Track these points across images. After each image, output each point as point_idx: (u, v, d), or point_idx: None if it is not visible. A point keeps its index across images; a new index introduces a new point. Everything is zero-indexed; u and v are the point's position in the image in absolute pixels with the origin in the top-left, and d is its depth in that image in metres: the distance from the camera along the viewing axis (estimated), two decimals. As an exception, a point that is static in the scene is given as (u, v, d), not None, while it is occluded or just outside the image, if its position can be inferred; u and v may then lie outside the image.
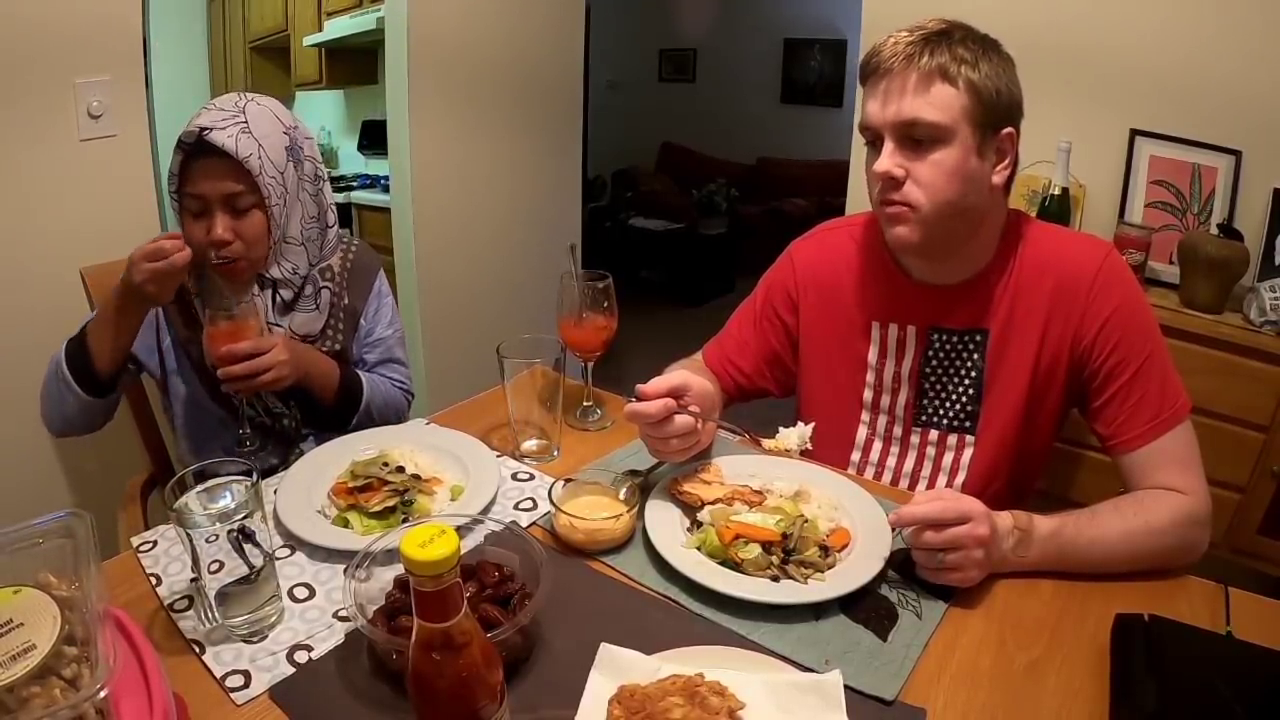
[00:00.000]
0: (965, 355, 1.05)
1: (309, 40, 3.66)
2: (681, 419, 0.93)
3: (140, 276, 1.02)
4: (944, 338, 1.05)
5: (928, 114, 0.91)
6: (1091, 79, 1.88)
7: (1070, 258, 1.00)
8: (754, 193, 5.59)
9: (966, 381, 1.05)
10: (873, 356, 1.10)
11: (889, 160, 0.94)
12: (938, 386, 1.07)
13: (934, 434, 1.09)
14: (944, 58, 0.90)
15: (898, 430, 1.11)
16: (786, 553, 0.83)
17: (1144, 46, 1.82)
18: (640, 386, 0.93)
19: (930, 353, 1.06)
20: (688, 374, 0.96)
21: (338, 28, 3.46)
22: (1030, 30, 1.88)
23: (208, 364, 1.09)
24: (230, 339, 1.05)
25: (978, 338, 1.04)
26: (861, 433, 1.14)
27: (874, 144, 0.98)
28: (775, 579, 0.82)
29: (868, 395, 1.12)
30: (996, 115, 0.94)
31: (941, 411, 1.08)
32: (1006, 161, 0.97)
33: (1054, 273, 1.00)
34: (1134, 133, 1.86)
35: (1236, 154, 1.77)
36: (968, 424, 1.06)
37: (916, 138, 0.93)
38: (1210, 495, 0.92)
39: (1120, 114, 1.88)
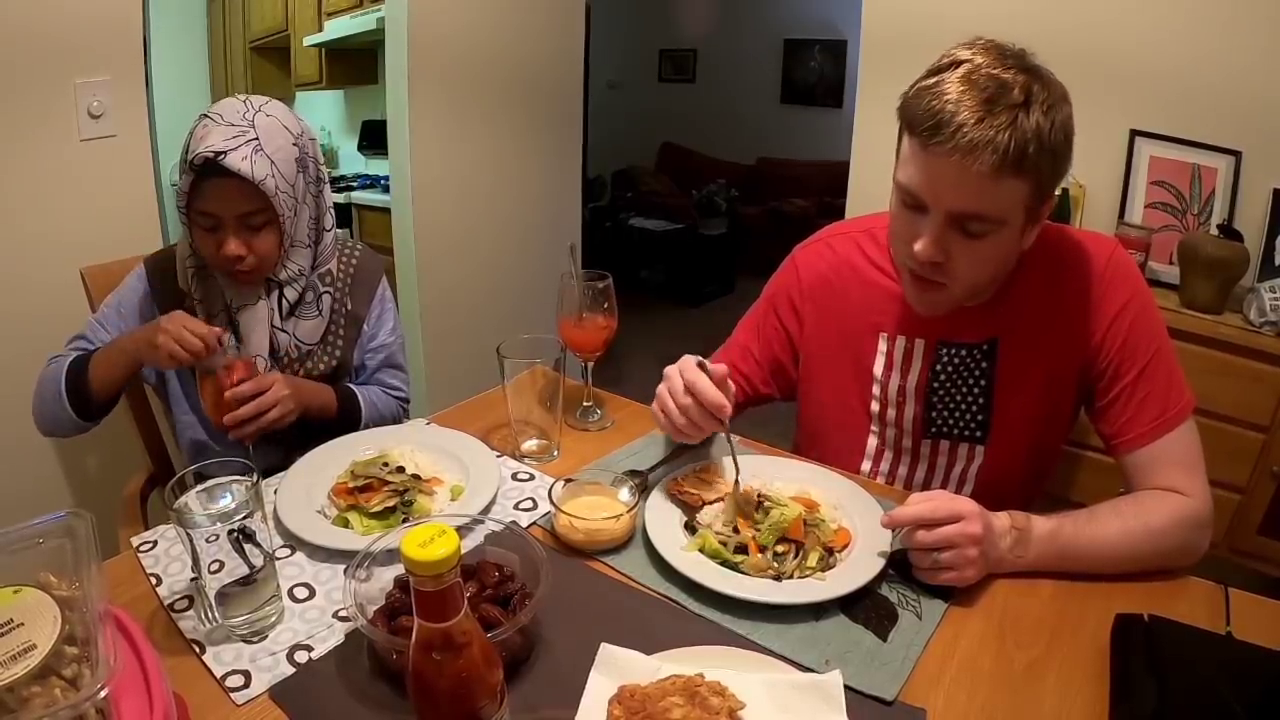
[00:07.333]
0: (973, 365, 1.03)
1: (309, 40, 3.66)
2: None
3: (166, 344, 1.01)
4: (953, 351, 1.03)
5: (992, 209, 0.84)
6: (1091, 79, 1.88)
7: (1078, 255, 0.98)
8: (754, 193, 5.59)
9: (975, 391, 1.03)
10: (879, 369, 1.08)
11: (934, 246, 0.87)
12: (945, 399, 1.05)
13: (944, 444, 1.08)
14: (1022, 143, 0.79)
15: (906, 442, 1.09)
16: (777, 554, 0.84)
17: (1144, 47, 1.82)
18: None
19: (938, 366, 1.04)
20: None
21: (338, 28, 3.46)
22: (1030, 31, 1.87)
23: (207, 416, 1.08)
24: (229, 385, 1.05)
25: (985, 347, 1.02)
26: (872, 443, 1.12)
27: (913, 207, 0.90)
28: (776, 579, 0.82)
29: (874, 407, 1.10)
30: (1049, 194, 0.87)
31: (950, 422, 1.06)
32: (1043, 219, 0.91)
33: (1062, 272, 0.98)
34: (1134, 133, 1.87)
35: (1236, 154, 1.77)
36: (978, 433, 1.05)
37: (969, 228, 0.86)
38: (1211, 496, 0.91)
39: (1120, 114, 1.88)
